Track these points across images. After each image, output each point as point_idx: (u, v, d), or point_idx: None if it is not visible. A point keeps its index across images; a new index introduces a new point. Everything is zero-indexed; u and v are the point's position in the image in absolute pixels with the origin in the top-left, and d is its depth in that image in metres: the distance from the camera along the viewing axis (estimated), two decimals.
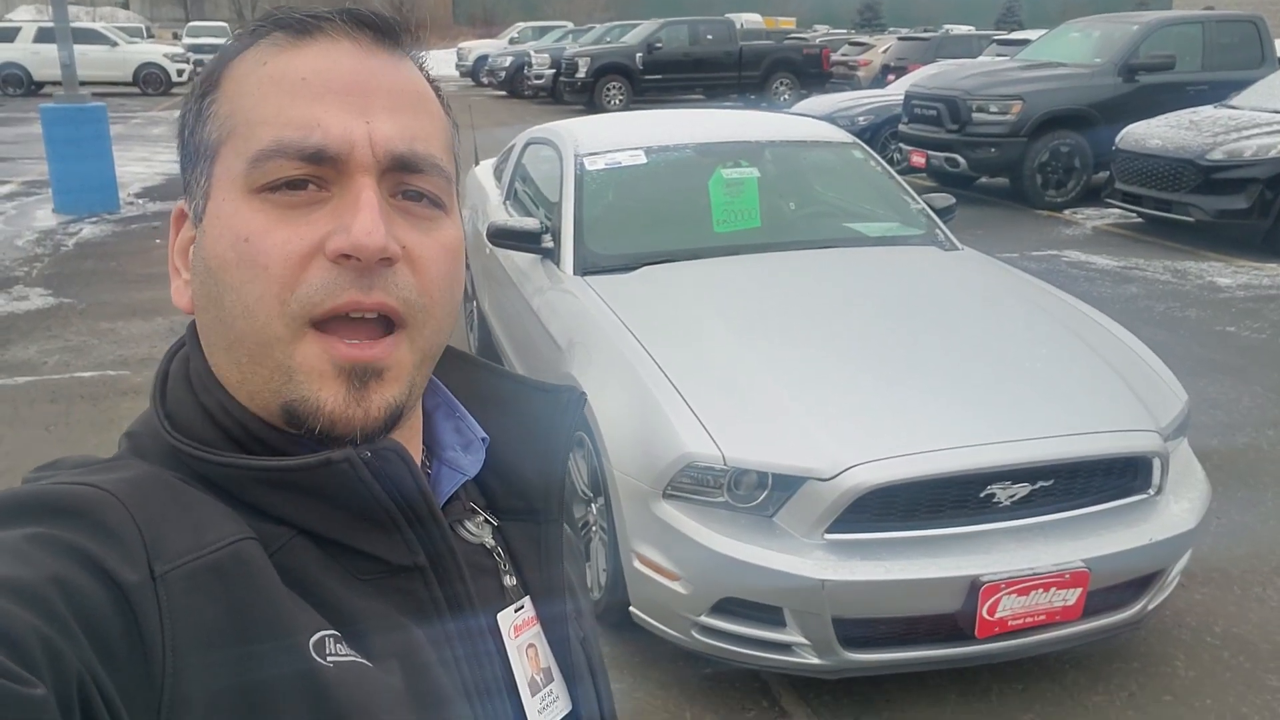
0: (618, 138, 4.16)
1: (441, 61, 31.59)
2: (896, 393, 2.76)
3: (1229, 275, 7.57)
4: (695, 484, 2.64)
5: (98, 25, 21.92)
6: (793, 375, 2.84)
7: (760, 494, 2.61)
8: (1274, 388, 5.21)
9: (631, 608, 2.82)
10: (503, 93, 23.71)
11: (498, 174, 5.29)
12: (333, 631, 0.58)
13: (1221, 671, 2.95)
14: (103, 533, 0.53)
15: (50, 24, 22.27)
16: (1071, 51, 10.92)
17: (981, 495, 2.59)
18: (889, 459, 2.50)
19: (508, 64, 23.30)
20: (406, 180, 0.64)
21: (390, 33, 0.65)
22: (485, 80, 25.16)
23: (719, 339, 3.03)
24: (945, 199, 4.32)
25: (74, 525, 0.53)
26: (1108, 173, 9.67)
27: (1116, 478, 2.73)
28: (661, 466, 2.64)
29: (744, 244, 3.79)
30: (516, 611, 0.72)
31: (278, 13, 0.65)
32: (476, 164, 5.87)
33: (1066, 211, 10.09)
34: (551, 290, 3.64)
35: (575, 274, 3.60)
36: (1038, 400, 2.75)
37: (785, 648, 2.61)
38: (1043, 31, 16.45)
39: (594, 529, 3.14)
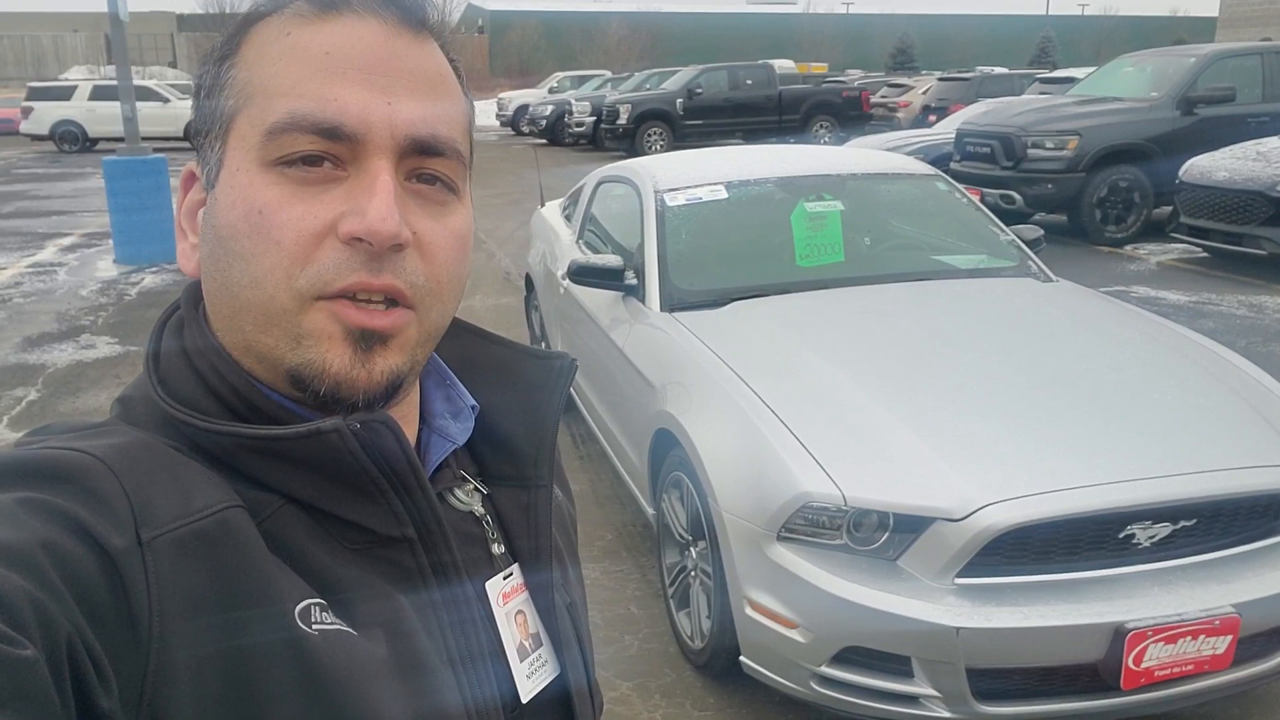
0: (696, 174, 4.09)
1: (481, 112, 32.11)
2: (1022, 428, 2.62)
3: None
4: (811, 526, 2.52)
5: (150, 83, 22.47)
6: (909, 411, 2.71)
7: (881, 535, 2.48)
8: None
9: (742, 657, 2.68)
10: (543, 141, 23.93)
11: (566, 214, 5.24)
12: (319, 600, 0.58)
13: None
14: (91, 498, 0.54)
15: (104, 82, 22.97)
16: (1127, 86, 10.79)
17: (1120, 536, 2.43)
18: (1024, 498, 2.36)
19: (548, 112, 23.55)
20: (424, 164, 0.64)
21: (417, 12, 0.65)
22: (526, 129, 25.45)
23: (824, 374, 2.91)
24: (1034, 230, 4.20)
25: (63, 490, 0.53)
26: (1169, 207, 9.50)
27: (1260, 517, 2.56)
28: (776, 508, 2.52)
29: (829, 278, 3.69)
30: (505, 579, 0.72)
31: None
32: (543, 205, 5.83)
33: (1128, 247, 9.90)
34: (638, 327, 3.55)
35: (663, 310, 3.51)
36: (1174, 435, 2.60)
37: (913, 700, 2.46)
38: (1085, 70, 16.42)
39: (694, 574, 3.01)
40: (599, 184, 4.81)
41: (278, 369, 0.62)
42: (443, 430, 0.73)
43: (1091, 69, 15.92)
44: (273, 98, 0.61)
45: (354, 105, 0.60)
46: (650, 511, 3.38)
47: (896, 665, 2.45)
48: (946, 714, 2.43)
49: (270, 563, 0.57)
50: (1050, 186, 9.96)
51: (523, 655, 0.71)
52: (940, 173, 4.38)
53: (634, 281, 3.70)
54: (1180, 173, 8.95)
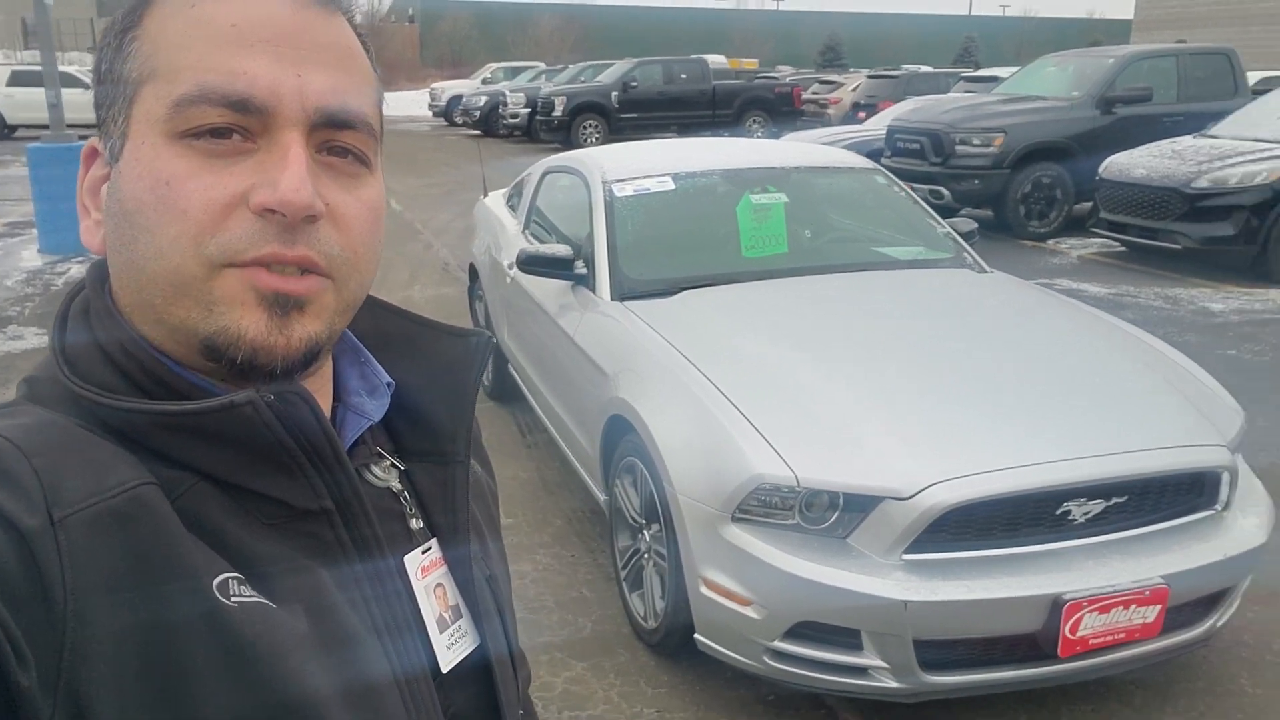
0: (644, 165, 4.14)
1: (413, 102, 31.71)
2: (964, 411, 2.73)
3: (1220, 301, 7.67)
4: (764, 506, 2.59)
5: (73, 69, 21.71)
6: (856, 395, 2.80)
7: (832, 515, 2.56)
8: None
9: (697, 635, 2.75)
10: (477, 132, 23.74)
11: (511, 205, 5.25)
12: (236, 574, 0.58)
13: None
14: (0, 479, 0.53)
15: (23, 68, 22.07)
16: (1049, 85, 11.13)
17: (1058, 513, 2.55)
18: (969, 476, 2.47)
19: (482, 104, 23.35)
20: (335, 136, 0.63)
21: None
22: (459, 120, 25.20)
23: (775, 360, 2.99)
24: (968, 223, 4.34)
25: None
26: (1089, 203, 9.85)
27: (1186, 494, 2.71)
28: (730, 489, 2.59)
29: (774, 269, 3.77)
30: (424, 554, 0.72)
31: None
32: (485, 195, 5.83)
33: (1050, 242, 10.22)
34: (589, 316, 3.59)
35: (613, 299, 3.56)
36: (1107, 417, 2.73)
37: (862, 671, 2.55)
38: (1007, 69, 16.84)
39: (647, 556, 3.07)
40: (545, 174, 4.83)
41: (191, 341, 0.61)
42: (358, 407, 0.73)
43: (1013, 68, 16.34)
44: (179, 70, 0.60)
45: (264, 78, 0.60)
46: (602, 497, 3.43)
47: (846, 639, 2.54)
48: (894, 684, 2.53)
49: (185, 538, 0.56)
50: (977, 182, 10.23)
51: (442, 627, 0.72)
52: (879, 166, 4.50)
53: (584, 271, 3.74)
54: (1100, 170, 9.27)
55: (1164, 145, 9.13)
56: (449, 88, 28.20)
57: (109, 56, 0.63)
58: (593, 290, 3.66)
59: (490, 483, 0.89)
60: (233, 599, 0.56)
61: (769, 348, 3.07)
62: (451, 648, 0.72)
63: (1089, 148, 10.07)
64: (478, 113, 23.47)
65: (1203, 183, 8.20)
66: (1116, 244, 9.39)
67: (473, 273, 5.50)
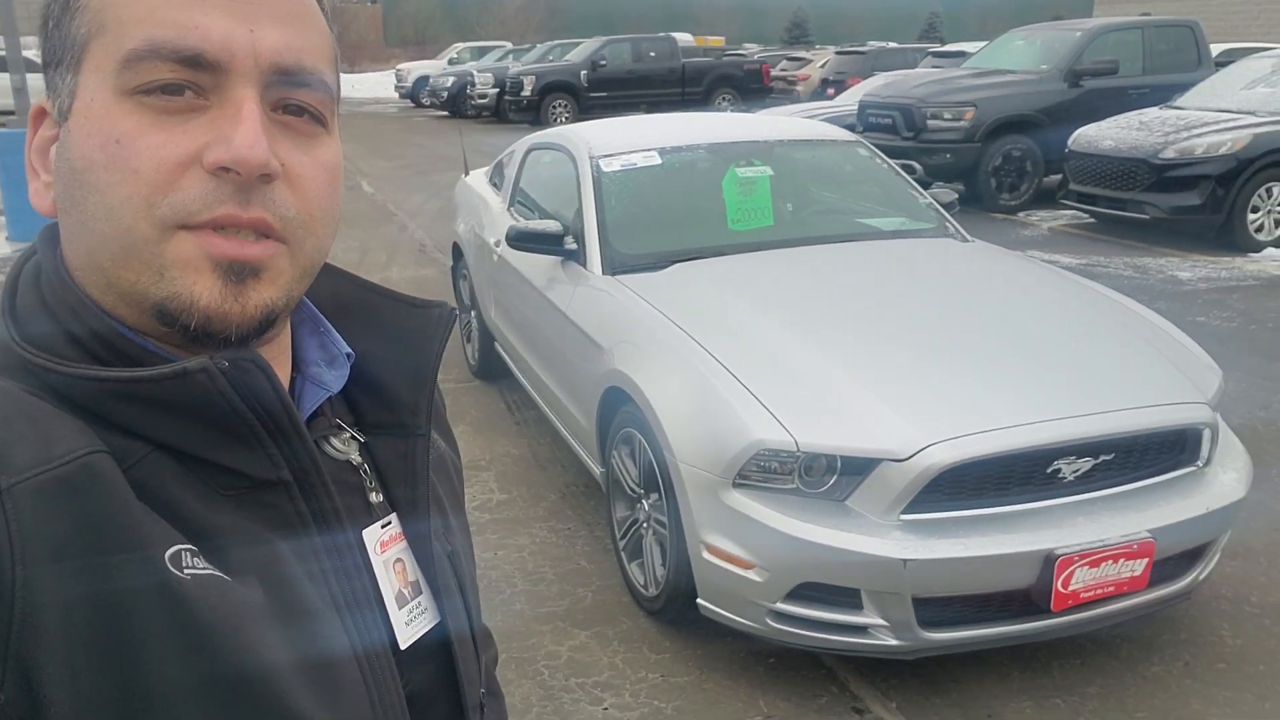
0: (630, 140, 4.17)
1: (378, 83, 31.39)
2: (955, 375, 2.80)
3: (1188, 269, 7.83)
4: (764, 472, 2.65)
5: (32, 53, 21.30)
6: (850, 361, 2.86)
7: (830, 479, 2.62)
8: (1255, 371, 5.40)
9: (700, 599, 2.81)
10: (445, 113, 23.56)
11: (494, 182, 5.25)
12: (190, 546, 0.57)
13: (1265, 638, 3.03)
14: None
15: None
16: (1018, 59, 11.24)
17: (1048, 471, 2.63)
18: (964, 437, 2.54)
19: (450, 84, 23.18)
20: (290, 94, 0.62)
21: None
22: (426, 101, 24.99)
23: (769, 329, 3.04)
24: (949, 194, 4.40)
25: None
26: (1059, 175, 9.98)
27: (1169, 451, 2.80)
28: (731, 456, 2.64)
29: (761, 241, 3.82)
30: (383, 528, 0.71)
31: None
32: (467, 174, 5.83)
33: (1021, 214, 10.35)
34: (581, 290, 3.62)
35: (605, 273, 3.59)
36: (1093, 377, 2.81)
37: (862, 630, 2.62)
38: (973, 44, 16.96)
39: (646, 525, 3.12)
40: (529, 152, 4.85)
41: (142, 305, 0.60)
42: (316, 378, 0.71)
43: (979, 43, 16.46)
44: (128, 24, 0.58)
45: (216, 32, 0.58)
46: (598, 470, 3.48)
47: (846, 598, 2.60)
48: (894, 641, 2.60)
49: (138, 509, 0.55)
50: (949, 156, 10.32)
51: (401, 603, 0.71)
52: (861, 139, 4.55)
53: (574, 246, 3.77)
54: (1069, 142, 9.39)
55: (1131, 117, 9.26)
56: (415, 69, 27.95)
57: (55, 12, 0.61)
58: (583, 265, 3.70)
59: (454, 457, 0.87)
60: (185, 571, 0.55)
61: (762, 318, 3.12)
62: (410, 624, 0.71)
63: (1057, 120, 10.19)
64: (445, 93, 23.30)
65: (1169, 153, 8.34)
66: (1086, 215, 9.53)
67: (456, 252, 5.51)
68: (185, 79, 0.58)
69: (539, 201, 4.57)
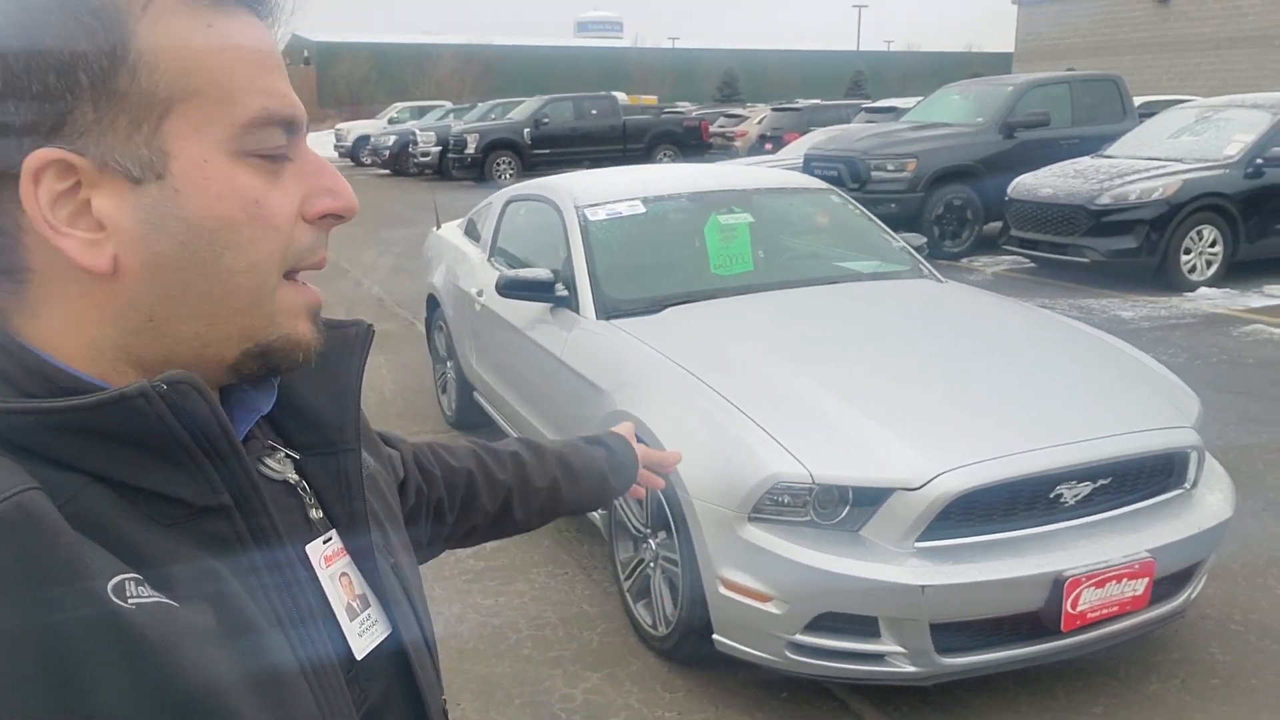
0: (612, 190, 4.26)
1: (317, 143, 31.25)
2: (957, 404, 2.90)
3: (1129, 309, 8.14)
4: (777, 505, 2.70)
5: None
6: (854, 394, 2.94)
7: (843, 510, 2.69)
8: (1207, 403, 5.58)
9: (716, 635, 2.83)
10: (386, 171, 23.58)
11: (471, 234, 5.30)
12: (134, 575, 0.56)
13: (1253, 655, 3.15)
14: None
15: None
16: (954, 112, 11.69)
17: (1051, 496, 2.73)
18: (973, 464, 2.62)
19: (391, 143, 23.25)
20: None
21: (274, 11, 0.69)
22: (367, 160, 24.99)
23: (772, 366, 3.12)
24: (918, 238, 4.57)
25: None
26: (998, 223, 10.35)
27: (1160, 474, 2.92)
28: (747, 490, 2.69)
29: (744, 285, 3.91)
30: (325, 543, 0.73)
31: None
32: (439, 227, 5.86)
33: (964, 260, 10.69)
34: (576, 336, 3.67)
35: (599, 318, 3.64)
36: (1087, 405, 2.93)
37: (879, 658, 2.67)
38: (900, 100, 17.54)
39: (654, 565, 3.14)
40: (507, 204, 4.91)
41: (232, 352, 0.66)
42: (246, 400, 0.72)
43: (905, 99, 17.03)
44: (235, 92, 0.62)
45: (292, 98, 0.66)
46: (597, 513, 3.50)
47: (864, 627, 2.65)
48: (911, 668, 2.66)
49: (77, 543, 0.55)
50: (894, 205, 10.63)
51: (352, 615, 0.72)
52: (832, 187, 4.71)
53: (565, 293, 3.82)
54: (1009, 190, 9.76)
55: (1066, 166, 9.67)
56: (355, 128, 27.99)
57: (97, 69, 0.59)
58: (576, 311, 3.75)
59: (385, 474, 0.89)
60: (130, 600, 0.55)
61: (762, 356, 3.20)
62: (363, 635, 0.72)
63: (994, 170, 10.61)
64: (387, 152, 23.34)
65: (1105, 199, 8.71)
66: (1026, 260, 9.88)
67: (431, 303, 5.52)
68: (285, 143, 0.65)
69: (522, 251, 4.62)
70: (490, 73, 60.34)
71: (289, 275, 0.66)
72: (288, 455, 0.74)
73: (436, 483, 1.09)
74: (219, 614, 0.60)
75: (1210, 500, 2.98)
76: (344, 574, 0.73)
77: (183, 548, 0.61)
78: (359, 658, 0.71)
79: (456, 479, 1.13)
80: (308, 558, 0.70)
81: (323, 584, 0.70)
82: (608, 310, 3.67)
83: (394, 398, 5.99)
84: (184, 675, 0.55)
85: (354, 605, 0.73)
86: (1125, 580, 2.69)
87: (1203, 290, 8.63)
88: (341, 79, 57.68)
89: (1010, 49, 36.14)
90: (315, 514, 0.73)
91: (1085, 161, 9.67)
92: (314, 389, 0.77)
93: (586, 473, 1.28)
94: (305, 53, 61.82)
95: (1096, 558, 2.67)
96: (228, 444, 0.62)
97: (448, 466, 1.12)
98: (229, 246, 0.63)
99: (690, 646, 2.98)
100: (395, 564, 0.79)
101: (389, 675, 0.74)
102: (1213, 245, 8.74)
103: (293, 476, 0.73)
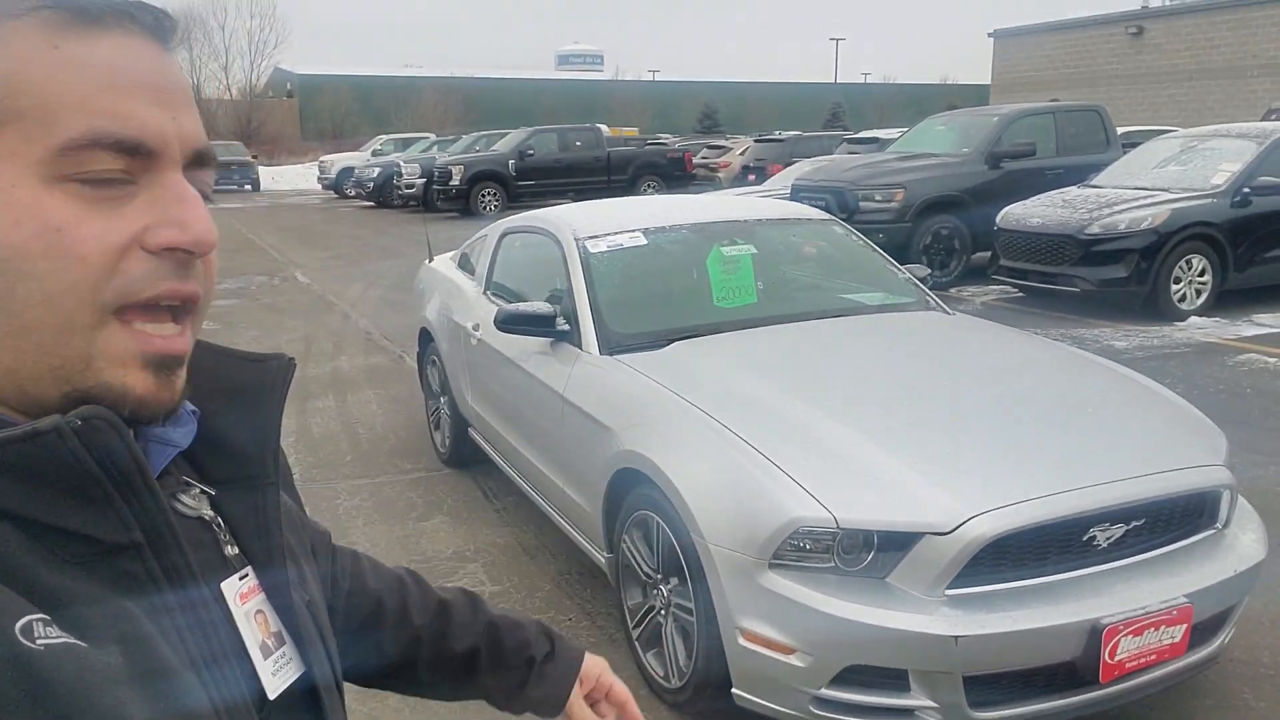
0: (613, 222, 4.15)
1: (300, 175, 31.20)
2: (984, 444, 2.79)
3: (1121, 339, 8.10)
4: (798, 551, 2.57)
5: None
6: (875, 433, 2.83)
7: (868, 555, 2.56)
8: None
9: (735, 689, 2.69)
10: (370, 204, 23.46)
11: (465, 267, 5.18)
12: (42, 615, 0.55)
13: None
14: None
15: None
16: (940, 142, 11.71)
17: (1084, 539, 2.61)
18: (1006, 507, 2.51)
19: (375, 175, 23.16)
20: (198, 175, 0.66)
21: (172, 30, 0.66)
22: (351, 192, 24.88)
23: (787, 404, 3.00)
24: (922, 269, 4.49)
25: None
26: (986, 252, 10.33)
27: (1192, 515, 2.82)
28: (767, 535, 2.56)
29: (749, 318, 3.81)
30: (240, 580, 0.72)
31: None
32: (431, 260, 5.74)
33: (953, 290, 10.64)
34: (579, 371, 3.54)
35: (602, 353, 3.52)
36: (1117, 443, 2.83)
37: (909, 714, 2.53)
38: (882, 131, 17.65)
39: (665, 613, 3.00)
40: (503, 236, 4.79)
41: (49, 393, 0.60)
42: (161, 436, 0.70)
43: (885, 130, 17.13)
44: (59, 113, 0.58)
45: (152, 122, 0.61)
46: (604, 557, 3.36)
47: (893, 680, 2.52)
48: None
49: None
50: (881, 236, 10.57)
51: (266, 654, 0.71)
52: (835, 218, 4.62)
53: (566, 327, 3.71)
54: (998, 219, 9.75)
55: (1054, 195, 9.67)
56: (339, 160, 27.88)
57: None
58: (578, 346, 3.63)
59: (299, 512, 0.88)
60: (38, 641, 0.53)
61: (778, 393, 3.08)
62: (277, 674, 0.71)
63: (981, 200, 10.61)
64: (371, 184, 23.25)
65: (1095, 229, 8.70)
66: (1014, 290, 9.85)
67: (424, 336, 5.38)
68: (122, 167, 0.60)
69: (520, 284, 4.50)
70: (472, 105, 60.56)
71: (125, 317, 0.61)
72: (203, 491, 0.72)
73: (340, 594, 1.01)
74: (129, 655, 0.58)
75: (1244, 541, 2.87)
76: (259, 611, 0.72)
77: (93, 587, 0.59)
78: (271, 697, 0.70)
79: (364, 600, 1.04)
80: (223, 595, 0.69)
81: (237, 622, 0.69)
82: (610, 345, 3.55)
83: (386, 433, 5.83)
84: (92, 718, 0.53)
85: (268, 643, 0.72)
86: (1164, 627, 2.57)
87: (1193, 319, 8.61)
88: (324, 112, 57.71)
89: (984, 81, 36.62)
90: (230, 550, 0.72)
91: (1073, 191, 9.67)
92: (233, 423, 0.75)
93: (513, 656, 1.08)
94: (289, 86, 61.86)
95: (1134, 604, 2.55)
96: (142, 481, 0.61)
97: (361, 582, 1.04)
98: (22, 278, 0.58)
99: (706, 700, 2.84)
100: (310, 600, 0.78)
101: (300, 715, 0.73)
102: (1202, 274, 8.73)
103: (208, 513, 0.72)
